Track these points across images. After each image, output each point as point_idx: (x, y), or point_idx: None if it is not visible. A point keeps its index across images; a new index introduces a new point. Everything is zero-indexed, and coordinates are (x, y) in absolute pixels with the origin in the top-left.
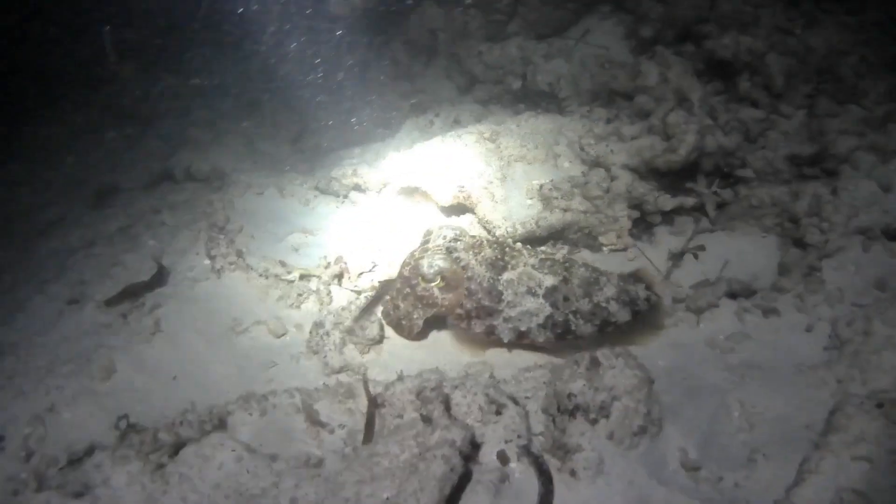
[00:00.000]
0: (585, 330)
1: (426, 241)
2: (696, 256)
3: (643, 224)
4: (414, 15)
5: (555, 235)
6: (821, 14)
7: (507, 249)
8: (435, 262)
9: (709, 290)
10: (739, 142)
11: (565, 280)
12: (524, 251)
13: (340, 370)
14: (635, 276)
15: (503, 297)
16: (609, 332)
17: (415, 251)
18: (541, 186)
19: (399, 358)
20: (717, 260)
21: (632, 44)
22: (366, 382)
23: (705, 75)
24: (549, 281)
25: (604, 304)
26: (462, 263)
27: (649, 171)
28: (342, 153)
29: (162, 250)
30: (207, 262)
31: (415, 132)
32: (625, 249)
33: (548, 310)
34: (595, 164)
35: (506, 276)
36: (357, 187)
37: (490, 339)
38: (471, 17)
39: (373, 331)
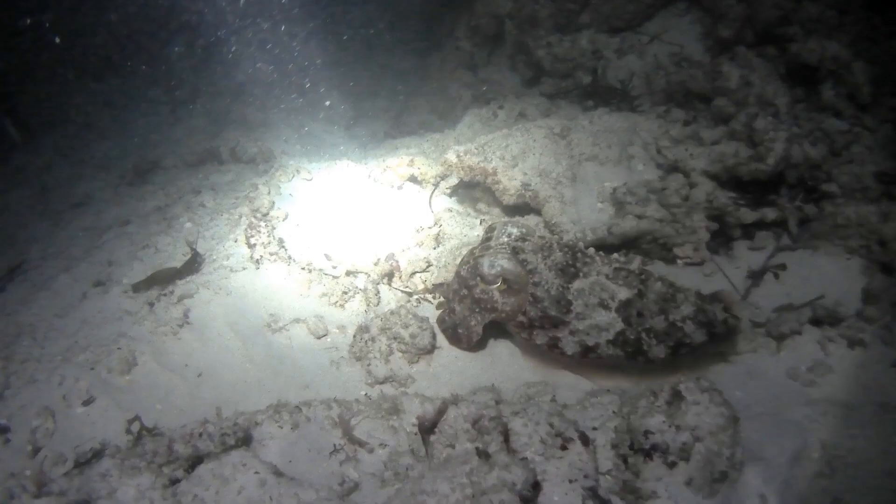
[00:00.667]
0: (658, 352)
1: (488, 238)
2: (776, 276)
3: (721, 237)
4: (479, 0)
5: (627, 244)
6: None
7: (578, 255)
8: (497, 262)
9: (792, 316)
10: (825, 154)
11: (640, 294)
12: (597, 258)
13: (385, 381)
14: (714, 297)
15: (572, 307)
16: (682, 355)
17: (475, 248)
18: (614, 190)
19: (451, 370)
20: (799, 281)
21: (708, 43)
22: None
23: (787, 81)
24: (624, 294)
25: (679, 324)
26: (529, 266)
27: (731, 180)
28: (398, 141)
29: (198, 234)
30: (247, 250)
31: (477, 124)
32: (701, 263)
33: (619, 325)
34: (673, 168)
35: (576, 284)
36: (413, 178)
37: (553, 352)
38: (540, 6)
39: (424, 339)
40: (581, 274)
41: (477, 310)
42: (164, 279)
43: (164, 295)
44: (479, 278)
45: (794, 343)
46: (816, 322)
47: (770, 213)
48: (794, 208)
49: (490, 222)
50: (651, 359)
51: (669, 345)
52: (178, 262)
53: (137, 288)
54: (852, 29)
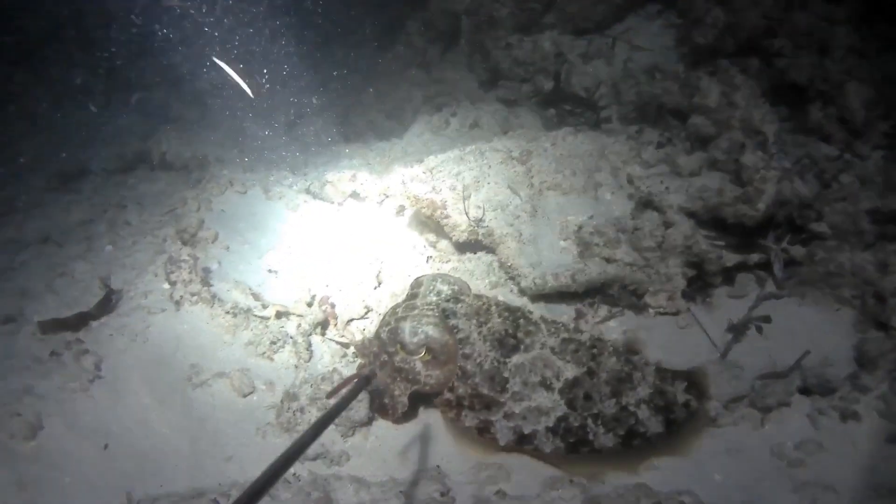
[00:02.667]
0: (605, 442)
1: (414, 296)
2: (759, 330)
3: (699, 282)
4: None
5: (592, 292)
6: None
7: (521, 321)
8: (421, 329)
9: (780, 385)
10: (817, 191)
11: (590, 372)
12: (543, 326)
13: (316, 458)
14: (678, 374)
15: (508, 385)
16: (635, 446)
17: (398, 307)
18: (579, 227)
19: (390, 445)
20: (784, 335)
21: (683, 51)
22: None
23: (770, 97)
24: (571, 371)
25: (633, 408)
26: (460, 334)
27: (712, 219)
28: (341, 149)
29: (109, 276)
30: (167, 286)
31: (427, 133)
32: (676, 314)
33: (562, 409)
34: (646, 203)
35: (515, 358)
36: (355, 195)
37: (483, 437)
38: (500, 3)
39: (359, 412)
40: (522, 346)
41: (398, 378)
42: (75, 322)
43: (74, 342)
44: (398, 345)
45: (780, 415)
46: (806, 391)
47: (754, 256)
48: (779, 250)
49: (418, 275)
50: (597, 448)
51: (619, 433)
52: (94, 295)
53: (45, 329)
54: (843, 43)
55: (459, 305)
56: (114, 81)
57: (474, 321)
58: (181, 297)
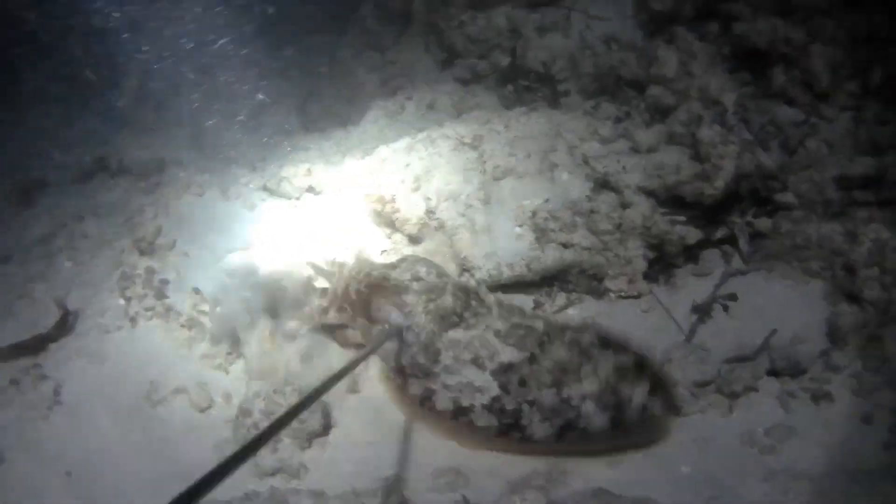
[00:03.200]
0: (539, 430)
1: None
2: (725, 308)
3: (661, 263)
4: None
5: (549, 279)
6: None
7: (473, 303)
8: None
9: (747, 369)
10: (781, 160)
11: (532, 359)
12: (495, 309)
13: (274, 473)
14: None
15: (440, 358)
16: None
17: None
18: (534, 213)
19: (349, 455)
20: (752, 312)
21: (641, 19)
22: None
23: (729, 61)
24: (508, 356)
25: (575, 403)
26: (406, 309)
27: (672, 198)
28: (296, 141)
29: (66, 295)
30: (122, 302)
31: (382, 119)
32: (637, 297)
33: (495, 390)
34: (603, 183)
35: (452, 334)
36: (311, 189)
37: (425, 405)
38: None
39: (314, 422)
40: (464, 324)
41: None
42: (33, 346)
43: (33, 368)
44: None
45: (749, 400)
46: (775, 373)
47: (717, 232)
48: (744, 224)
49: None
50: (528, 436)
51: (556, 424)
52: (53, 317)
53: (4, 356)
54: (805, 3)
55: (416, 283)
56: (69, 85)
57: (424, 297)
58: (136, 312)
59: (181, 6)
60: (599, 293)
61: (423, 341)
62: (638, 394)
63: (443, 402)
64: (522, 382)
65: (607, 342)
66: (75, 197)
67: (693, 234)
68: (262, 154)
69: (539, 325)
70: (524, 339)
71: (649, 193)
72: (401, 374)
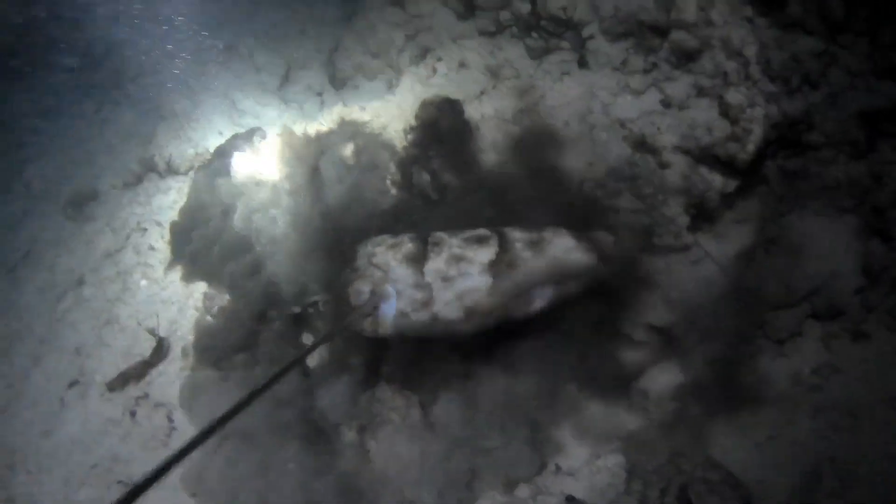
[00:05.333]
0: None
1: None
2: (766, 251)
3: (703, 214)
4: None
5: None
6: None
7: (428, 239)
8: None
9: (791, 315)
10: (805, 99)
11: (502, 251)
12: (444, 235)
13: None
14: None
15: (432, 286)
16: None
17: None
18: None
19: None
20: (791, 252)
21: None
22: None
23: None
24: (485, 255)
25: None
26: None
27: (707, 156)
28: (336, 112)
29: (153, 319)
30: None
31: (417, 86)
32: (686, 249)
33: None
34: (640, 145)
35: (431, 264)
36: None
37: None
38: None
39: None
40: (434, 253)
41: None
42: (136, 374)
43: (143, 396)
44: None
45: (794, 344)
46: (816, 316)
47: (752, 178)
48: (776, 167)
49: None
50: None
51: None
52: (145, 341)
53: (112, 387)
54: None
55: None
56: (102, 77)
57: (391, 251)
58: None
59: None
60: (649, 249)
61: (412, 283)
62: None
63: (452, 311)
64: (511, 265)
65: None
66: (131, 205)
67: (730, 184)
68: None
69: (482, 231)
70: (486, 242)
71: (685, 152)
72: (406, 317)
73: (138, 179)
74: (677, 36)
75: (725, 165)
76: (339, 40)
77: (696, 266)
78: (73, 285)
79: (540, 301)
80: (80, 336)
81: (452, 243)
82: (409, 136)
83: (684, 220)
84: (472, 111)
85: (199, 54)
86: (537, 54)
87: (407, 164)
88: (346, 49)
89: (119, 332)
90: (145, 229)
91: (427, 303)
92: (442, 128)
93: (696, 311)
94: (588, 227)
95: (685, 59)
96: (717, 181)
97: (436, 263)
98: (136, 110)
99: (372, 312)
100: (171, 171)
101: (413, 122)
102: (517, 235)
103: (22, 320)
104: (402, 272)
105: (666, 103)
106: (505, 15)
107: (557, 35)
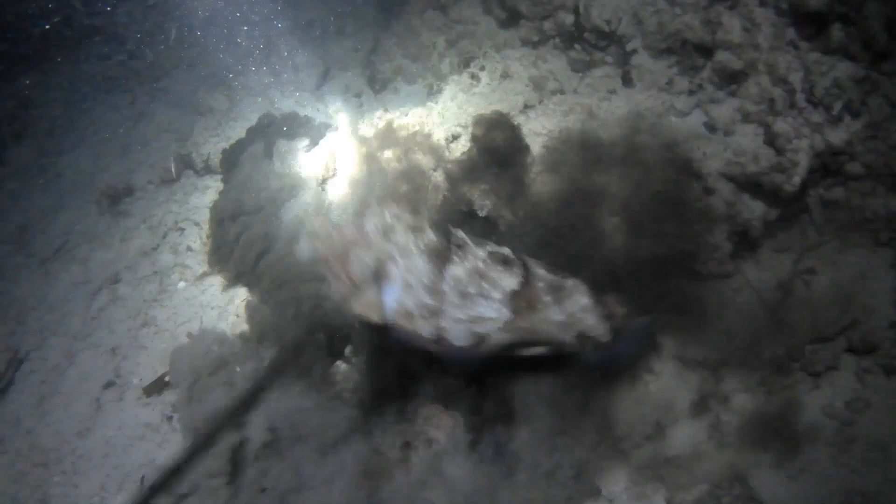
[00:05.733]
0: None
1: None
2: (806, 284)
3: (745, 242)
4: None
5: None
6: None
7: (451, 238)
8: None
9: (828, 350)
10: (847, 129)
11: (525, 281)
12: (469, 243)
13: None
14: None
15: (445, 295)
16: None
17: None
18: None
19: None
20: (829, 284)
21: None
22: None
23: (790, 26)
24: (509, 283)
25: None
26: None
27: (751, 184)
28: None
29: (192, 322)
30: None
31: (460, 95)
32: (727, 277)
33: (507, 315)
34: (685, 169)
35: (452, 270)
36: None
37: (441, 343)
38: None
39: None
40: (457, 258)
41: None
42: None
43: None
44: None
45: (830, 377)
46: (852, 350)
47: (793, 207)
48: (817, 197)
49: None
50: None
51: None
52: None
53: (149, 392)
54: None
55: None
56: (136, 69)
57: (412, 235)
58: None
59: None
60: (691, 275)
61: (426, 282)
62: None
63: (459, 333)
64: (531, 306)
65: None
66: (168, 203)
67: (772, 213)
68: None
69: (506, 251)
70: (511, 267)
71: (730, 179)
72: (408, 318)
73: (175, 176)
74: (722, 56)
75: (769, 195)
76: (377, 41)
77: (737, 293)
78: (107, 282)
79: (539, 349)
80: (116, 336)
81: (477, 254)
82: (459, 148)
83: (728, 247)
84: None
85: (236, 49)
86: (581, 67)
87: (458, 181)
88: (385, 51)
89: (156, 335)
90: (183, 229)
91: (435, 312)
92: (498, 146)
93: (736, 340)
94: (617, 276)
95: (730, 80)
96: (760, 209)
97: (457, 270)
98: (171, 105)
99: (375, 292)
100: (209, 169)
101: (456, 130)
102: (541, 273)
103: (55, 314)
104: (420, 265)
105: (711, 127)
106: (548, 25)
107: (601, 48)
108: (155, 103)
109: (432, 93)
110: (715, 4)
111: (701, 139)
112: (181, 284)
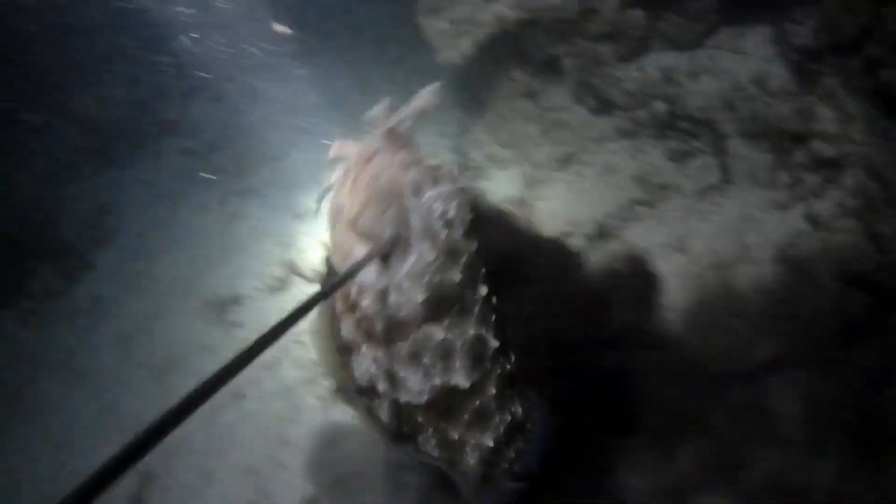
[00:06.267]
0: None
1: None
2: None
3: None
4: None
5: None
6: None
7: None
8: None
9: None
10: None
11: None
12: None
13: None
14: None
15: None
16: None
17: None
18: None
19: None
20: None
21: (783, 50)
22: None
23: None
24: None
25: None
26: None
27: (857, 280)
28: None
29: None
30: None
31: (564, 193)
32: None
33: None
34: (796, 267)
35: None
36: None
37: None
38: (600, 44)
39: None
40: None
41: None
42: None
43: None
44: None
45: None
46: None
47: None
48: None
49: None
50: None
51: None
52: None
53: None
54: None
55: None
56: (220, 163)
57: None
58: None
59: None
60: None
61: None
62: None
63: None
64: None
65: None
66: (279, 311)
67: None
68: None
69: None
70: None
71: (838, 277)
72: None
73: (283, 284)
74: (817, 147)
75: (873, 291)
76: (463, 127)
77: None
78: (231, 398)
79: None
80: (252, 455)
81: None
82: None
83: (836, 341)
84: (632, 235)
85: (325, 138)
86: (677, 157)
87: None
88: (476, 140)
89: (297, 455)
90: (303, 342)
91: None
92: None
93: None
94: None
95: (827, 170)
96: (863, 303)
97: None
98: (265, 204)
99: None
100: (319, 277)
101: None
102: None
103: (180, 430)
104: None
105: (813, 221)
106: (642, 114)
107: (695, 136)
108: (246, 202)
109: (529, 183)
110: (804, 87)
111: (805, 234)
112: (311, 401)
